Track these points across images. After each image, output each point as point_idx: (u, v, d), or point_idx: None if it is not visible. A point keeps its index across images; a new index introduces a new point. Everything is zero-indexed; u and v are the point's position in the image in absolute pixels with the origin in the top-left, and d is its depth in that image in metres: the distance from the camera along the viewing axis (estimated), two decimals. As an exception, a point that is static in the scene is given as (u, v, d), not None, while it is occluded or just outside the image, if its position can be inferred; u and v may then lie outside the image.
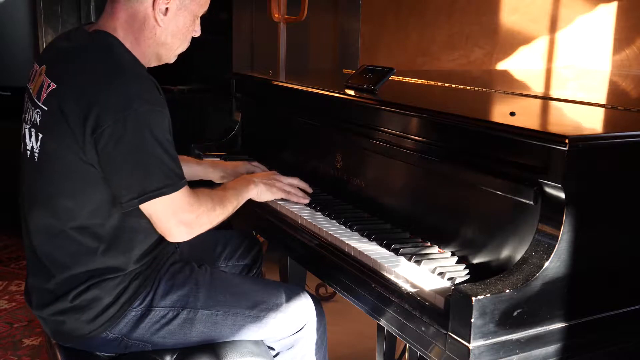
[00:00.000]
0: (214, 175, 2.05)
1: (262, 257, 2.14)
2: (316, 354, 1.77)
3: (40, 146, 1.51)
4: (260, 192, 1.80)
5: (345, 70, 2.89)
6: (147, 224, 1.53)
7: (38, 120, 1.51)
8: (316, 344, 1.76)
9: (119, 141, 1.41)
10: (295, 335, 1.71)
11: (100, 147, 1.42)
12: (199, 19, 1.66)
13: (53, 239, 1.53)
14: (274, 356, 1.73)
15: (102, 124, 1.40)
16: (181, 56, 1.71)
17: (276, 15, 3.35)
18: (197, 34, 1.68)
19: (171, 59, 1.67)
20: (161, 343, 1.60)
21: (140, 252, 1.56)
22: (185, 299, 1.61)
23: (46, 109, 1.49)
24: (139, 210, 1.49)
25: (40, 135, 1.50)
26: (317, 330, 1.76)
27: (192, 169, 1.98)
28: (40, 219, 1.55)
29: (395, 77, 2.33)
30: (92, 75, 1.46)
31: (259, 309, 1.66)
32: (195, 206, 1.52)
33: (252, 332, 1.66)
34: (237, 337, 1.65)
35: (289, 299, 1.71)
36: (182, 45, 1.65)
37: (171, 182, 1.47)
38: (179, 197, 1.49)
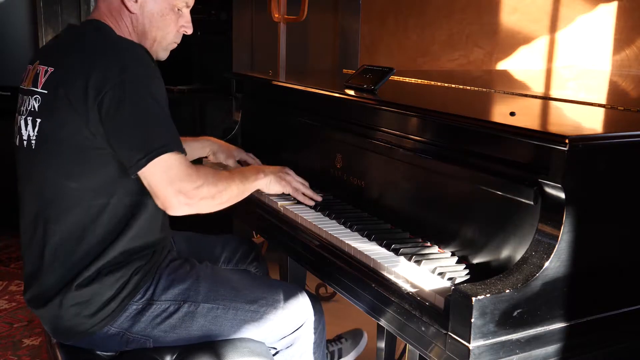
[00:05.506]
0: (210, 148, 2.11)
1: (263, 261, 2.13)
2: (315, 353, 1.77)
3: (37, 132, 1.53)
4: (270, 183, 1.79)
5: (345, 70, 2.88)
6: (146, 201, 1.56)
7: (36, 106, 1.54)
8: (315, 342, 1.77)
9: (120, 104, 1.45)
10: (295, 334, 1.72)
11: (103, 113, 1.46)
12: (188, 14, 1.69)
13: (56, 226, 1.54)
14: (273, 355, 1.73)
15: (102, 90, 1.45)
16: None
17: (276, 15, 3.35)
18: (188, 30, 1.71)
19: (160, 53, 1.70)
20: (162, 337, 1.60)
21: (139, 237, 1.57)
22: (187, 293, 1.62)
23: (46, 92, 1.53)
24: (139, 186, 1.52)
25: (39, 120, 1.53)
26: (316, 329, 1.76)
27: (189, 145, 1.99)
28: (42, 208, 1.55)
29: (395, 77, 2.33)
30: (87, 51, 1.53)
31: (259, 304, 1.67)
32: (194, 177, 1.52)
33: (252, 328, 1.66)
34: (237, 333, 1.65)
35: (288, 296, 1.72)
36: (167, 38, 1.68)
37: (174, 141, 1.50)
38: (178, 164, 1.50)
